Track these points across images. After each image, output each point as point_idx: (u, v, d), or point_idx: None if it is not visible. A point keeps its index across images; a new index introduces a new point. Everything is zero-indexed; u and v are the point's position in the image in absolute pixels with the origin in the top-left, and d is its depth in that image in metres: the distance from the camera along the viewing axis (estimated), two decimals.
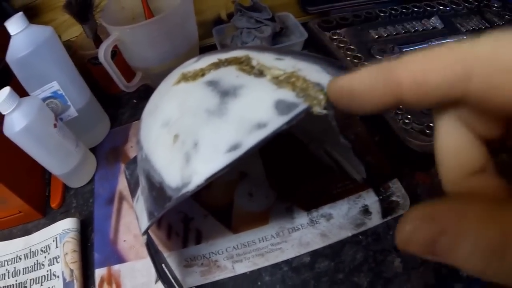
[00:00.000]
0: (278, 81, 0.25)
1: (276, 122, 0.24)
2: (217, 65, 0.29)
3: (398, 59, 0.15)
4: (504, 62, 0.13)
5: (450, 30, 0.74)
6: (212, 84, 0.28)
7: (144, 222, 0.35)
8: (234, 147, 0.24)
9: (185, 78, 0.30)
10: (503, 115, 0.15)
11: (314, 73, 0.26)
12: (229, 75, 0.28)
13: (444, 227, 0.14)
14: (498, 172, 0.17)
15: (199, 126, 0.26)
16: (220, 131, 0.25)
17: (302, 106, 0.23)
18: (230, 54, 0.30)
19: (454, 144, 0.17)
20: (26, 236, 0.55)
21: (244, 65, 0.28)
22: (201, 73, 0.29)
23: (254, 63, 0.28)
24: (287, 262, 0.48)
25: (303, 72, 0.26)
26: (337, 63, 0.29)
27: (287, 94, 0.24)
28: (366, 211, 0.51)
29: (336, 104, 0.19)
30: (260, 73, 0.27)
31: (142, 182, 0.35)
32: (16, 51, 0.52)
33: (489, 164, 0.17)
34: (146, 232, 0.35)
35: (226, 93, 0.26)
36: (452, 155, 0.17)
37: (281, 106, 0.24)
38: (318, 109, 0.22)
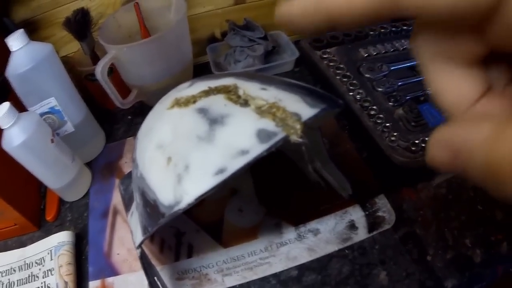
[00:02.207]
0: (261, 111, 0.28)
1: (257, 149, 0.27)
2: (207, 93, 0.32)
3: None
4: None
5: None
6: (203, 111, 0.30)
7: (139, 236, 0.37)
8: (221, 171, 0.27)
9: (178, 103, 0.33)
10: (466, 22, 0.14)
11: (294, 103, 0.29)
12: (218, 104, 0.30)
13: (457, 152, 0.14)
14: None
15: (190, 151, 0.29)
16: (208, 156, 0.28)
17: (281, 135, 0.26)
18: (219, 81, 0.32)
19: (446, 82, 0.17)
20: (21, 248, 0.56)
21: (231, 94, 0.30)
22: (193, 100, 0.32)
23: (240, 92, 0.30)
24: (275, 275, 0.49)
25: (283, 102, 0.29)
26: (317, 91, 0.32)
27: (268, 124, 0.27)
28: (352, 226, 0.53)
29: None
30: (245, 103, 0.29)
31: (137, 198, 0.36)
32: (16, 67, 0.53)
33: (495, 81, 0.17)
34: (140, 246, 0.37)
35: (214, 121, 0.29)
36: (447, 92, 0.17)
37: (262, 135, 0.27)
38: (294, 137, 0.25)
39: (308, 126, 0.26)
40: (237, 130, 0.28)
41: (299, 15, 0.18)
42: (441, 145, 0.15)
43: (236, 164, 0.26)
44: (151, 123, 0.35)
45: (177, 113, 0.32)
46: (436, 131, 0.15)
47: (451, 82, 0.17)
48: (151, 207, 0.32)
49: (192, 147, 0.29)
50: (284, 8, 0.18)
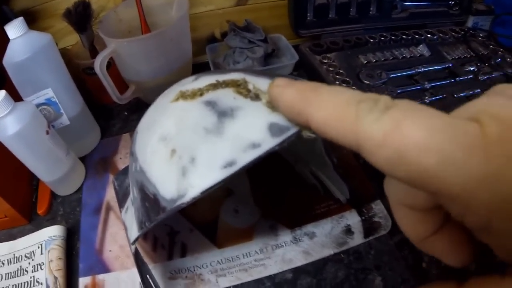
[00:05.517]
0: (272, 105, 0.27)
1: (269, 143, 0.26)
2: (215, 86, 0.31)
3: (316, 96, 0.19)
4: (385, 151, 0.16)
5: (436, 58, 0.77)
6: (211, 104, 0.29)
7: (134, 232, 0.36)
8: (230, 164, 0.26)
9: (183, 96, 0.32)
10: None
11: None
12: (227, 97, 0.29)
13: None
14: None
15: (197, 143, 0.28)
16: (217, 149, 0.27)
17: (293, 129, 0.25)
18: (227, 76, 0.32)
19: (405, 221, 0.21)
20: (11, 241, 0.55)
21: (241, 88, 0.29)
22: (200, 92, 0.31)
23: (250, 86, 0.29)
24: (270, 277, 0.49)
25: None
26: None
27: (280, 118, 0.26)
28: (348, 230, 0.52)
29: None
30: (256, 97, 0.28)
31: (134, 193, 0.35)
32: (13, 55, 0.52)
33: (445, 223, 0.20)
34: (135, 242, 0.36)
35: (223, 114, 0.28)
36: (406, 228, 0.22)
37: (274, 129, 0.26)
38: (307, 133, 0.24)
39: None
40: (248, 123, 0.27)
41: (285, 107, 0.22)
42: None
43: (247, 157, 0.26)
44: (153, 116, 0.35)
45: (182, 105, 0.31)
46: None
47: (408, 222, 0.21)
48: (150, 201, 0.31)
49: (199, 139, 0.28)
50: (278, 90, 0.23)
